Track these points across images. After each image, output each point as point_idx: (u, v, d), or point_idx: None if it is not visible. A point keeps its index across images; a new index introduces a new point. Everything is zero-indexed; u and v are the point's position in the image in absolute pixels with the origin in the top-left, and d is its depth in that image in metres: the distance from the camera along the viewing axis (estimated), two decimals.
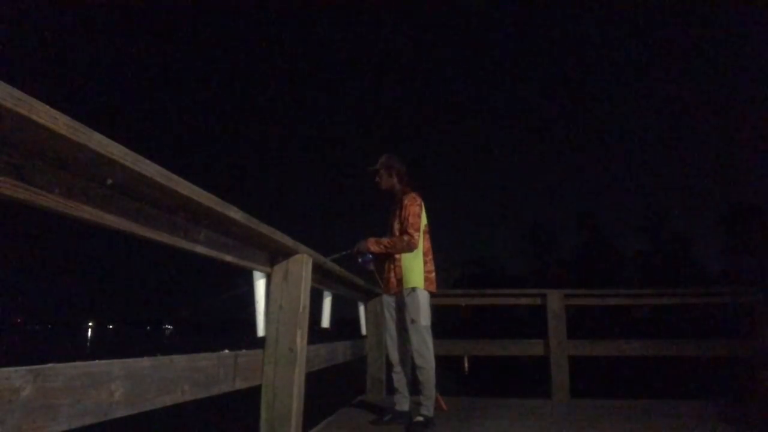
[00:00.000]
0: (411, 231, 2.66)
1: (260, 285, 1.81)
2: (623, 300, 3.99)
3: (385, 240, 2.72)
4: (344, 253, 2.78)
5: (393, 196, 2.87)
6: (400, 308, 2.74)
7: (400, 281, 2.70)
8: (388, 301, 2.82)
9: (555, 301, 3.79)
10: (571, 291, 3.93)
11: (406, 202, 2.73)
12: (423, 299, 2.65)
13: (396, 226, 2.76)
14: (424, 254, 2.73)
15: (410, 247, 2.67)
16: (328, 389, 4.47)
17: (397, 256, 2.72)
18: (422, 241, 2.73)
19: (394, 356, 2.80)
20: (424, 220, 2.76)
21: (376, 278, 2.88)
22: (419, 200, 2.74)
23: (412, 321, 2.62)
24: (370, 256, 2.78)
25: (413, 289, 2.65)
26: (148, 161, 0.95)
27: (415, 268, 2.68)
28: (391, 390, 2.89)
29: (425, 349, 2.60)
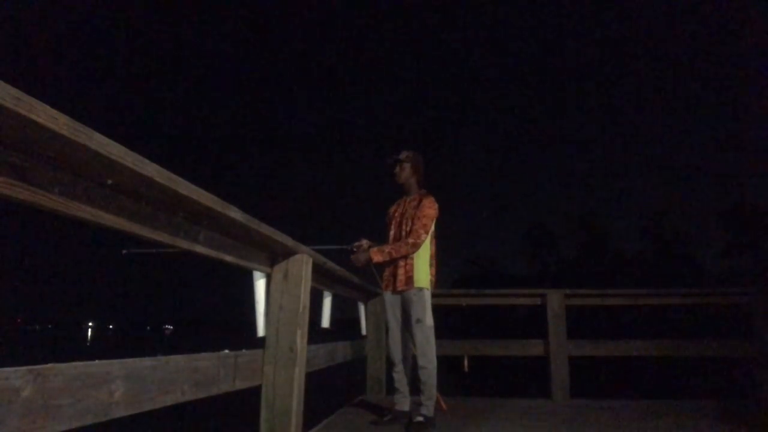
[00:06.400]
0: (420, 231, 2.66)
1: (260, 285, 1.82)
2: (623, 300, 3.99)
3: (387, 247, 2.70)
4: (341, 247, 2.80)
5: (405, 192, 2.89)
6: (405, 307, 2.73)
7: (410, 279, 2.68)
8: (391, 300, 2.80)
9: (555, 301, 3.79)
10: (571, 291, 3.92)
11: (425, 202, 2.73)
12: (429, 300, 2.67)
13: (405, 223, 2.75)
14: (430, 257, 2.74)
15: (414, 249, 2.67)
16: (328, 389, 4.47)
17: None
18: (430, 245, 2.74)
19: (396, 355, 2.79)
20: (432, 226, 2.77)
21: (376, 277, 2.87)
22: (437, 206, 2.76)
23: (418, 320, 2.62)
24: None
25: (420, 289, 2.65)
26: (148, 161, 0.95)
27: (425, 268, 2.69)
28: (391, 390, 2.89)
29: (429, 349, 2.60)
